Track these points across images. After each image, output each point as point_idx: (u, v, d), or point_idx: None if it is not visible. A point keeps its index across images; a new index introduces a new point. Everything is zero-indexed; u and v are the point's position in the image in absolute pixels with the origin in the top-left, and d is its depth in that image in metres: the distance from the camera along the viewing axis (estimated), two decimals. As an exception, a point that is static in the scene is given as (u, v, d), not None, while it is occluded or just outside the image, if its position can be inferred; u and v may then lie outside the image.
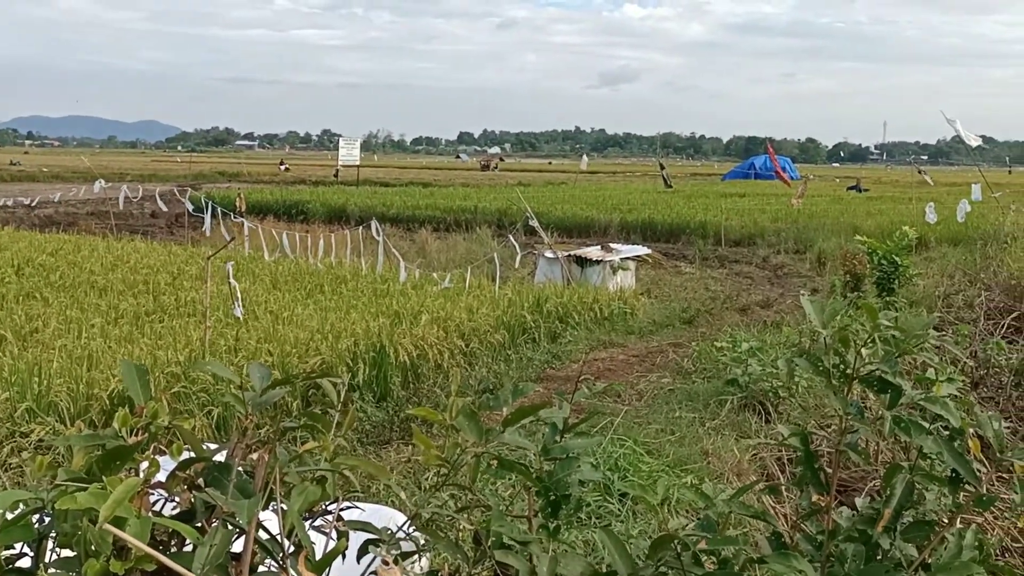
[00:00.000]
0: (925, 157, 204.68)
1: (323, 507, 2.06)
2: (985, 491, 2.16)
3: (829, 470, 2.34)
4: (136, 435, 1.96)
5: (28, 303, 9.65)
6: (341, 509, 2.08)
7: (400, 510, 3.83)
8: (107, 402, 6.07)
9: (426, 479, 5.53)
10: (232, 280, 9.00)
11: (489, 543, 1.99)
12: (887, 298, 10.50)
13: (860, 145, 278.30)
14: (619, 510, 5.15)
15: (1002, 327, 9.04)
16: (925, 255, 17.50)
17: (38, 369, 6.36)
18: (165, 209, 25.08)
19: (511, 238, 16.38)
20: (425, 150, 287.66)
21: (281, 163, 74.02)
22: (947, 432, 2.12)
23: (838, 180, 62.10)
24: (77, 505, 1.56)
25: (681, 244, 23.97)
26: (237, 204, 27.65)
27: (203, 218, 19.75)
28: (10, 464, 5.08)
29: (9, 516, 1.61)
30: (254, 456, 1.96)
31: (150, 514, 1.74)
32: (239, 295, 8.79)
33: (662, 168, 52.75)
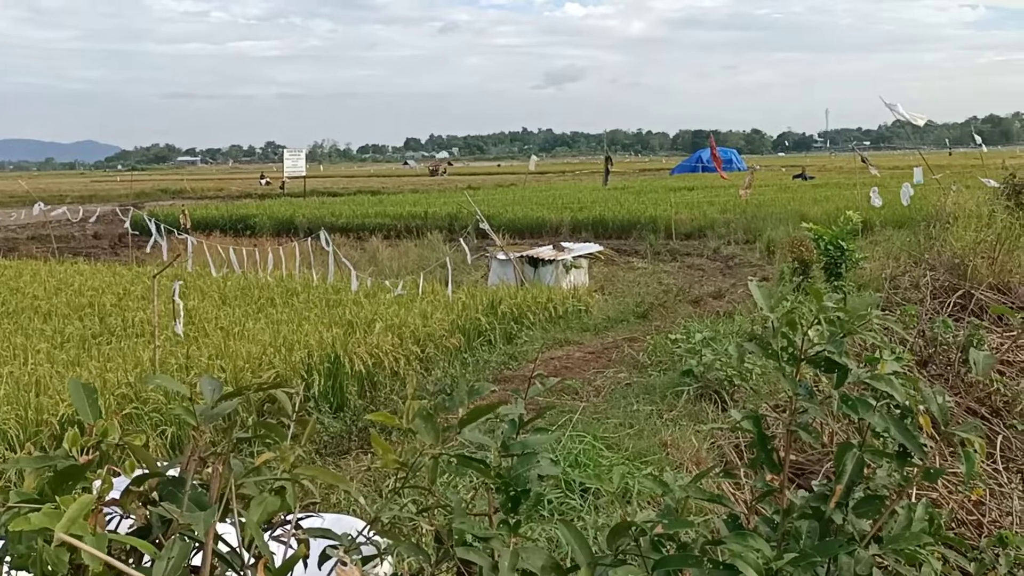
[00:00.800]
0: (867, 143, 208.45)
1: (282, 517, 2.05)
2: (935, 465, 2.22)
3: (783, 453, 2.40)
4: (87, 454, 1.94)
5: (-30, 331, 9.42)
6: (300, 519, 2.07)
7: (362, 518, 3.82)
8: (56, 427, 5.96)
9: (387, 486, 5.51)
10: (176, 298, 8.86)
11: (451, 542, 2.00)
12: (835, 282, 10.67)
13: (804, 134, 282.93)
14: (581, 505, 5.18)
15: (948, 305, 9.23)
16: (871, 239, 17.80)
17: (-17, 397, 6.24)
18: (98, 227, 24.59)
19: (462, 242, 16.38)
20: (372, 158, 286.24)
21: (261, 176, 69.72)
22: (897, 410, 2.18)
23: (784, 169, 62.99)
24: (31, 526, 1.55)
25: (633, 240, 24.13)
26: (181, 221, 27.31)
27: (147, 237, 19.49)
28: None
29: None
30: (209, 470, 1.95)
31: (105, 532, 1.72)
32: (181, 312, 8.66)
33: (608, 162, 52.87)
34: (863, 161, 26.05)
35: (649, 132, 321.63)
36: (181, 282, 8.67)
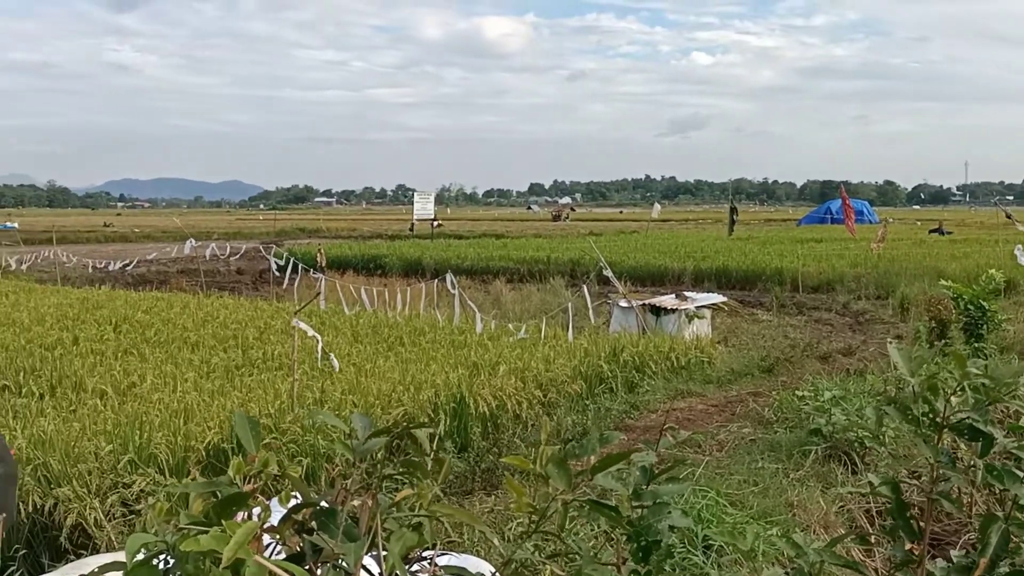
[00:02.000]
0: (1011, 197, 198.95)
1: (419, 553, 2.16)
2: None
3: (922, 522, 2.36)
4: (248, 483, 2.10)
5: (126, 359, 10.05)
6: (437, 555, 2.18)
7: (488, 559, 3.91)
8: (203, 454, 6.30)
9: (509, 529, 5.59)
10: (313, 332, 9.28)
11: (580, 588, 2.06)
12: (975, 344, 10.24)
13: (941, 187, 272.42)
14: (704, 562, 5.13)
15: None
16: (1015, 299, 16.99)
17: (138, 422, 6.65)
18: (241, 263, 25.84)
19: (584, 288, 16.46)
20: (497, 202, 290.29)
21: (435, 220, 66.26)
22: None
23: (919, 223, 60.72)
24: (200, 547, 1.68)
25: (757, 291, 23.67)
26: (318, 259, 28.36)
27: (286, 274, 20.42)
28: (114, 514, 5.32)
29: (138, 558, 1.75)
30: (355, 503, 2.09)
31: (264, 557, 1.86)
32: (328, 351, 9.12)
33: (734, 212, 51.70)
34: (1007, 216, 24.90)
35: (775, 182, 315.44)
36: (301, 322, 8.98)
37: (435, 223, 59.32)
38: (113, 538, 5.10)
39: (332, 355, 9.40)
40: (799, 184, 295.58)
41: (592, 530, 5.10)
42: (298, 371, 8.19)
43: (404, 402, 8.31)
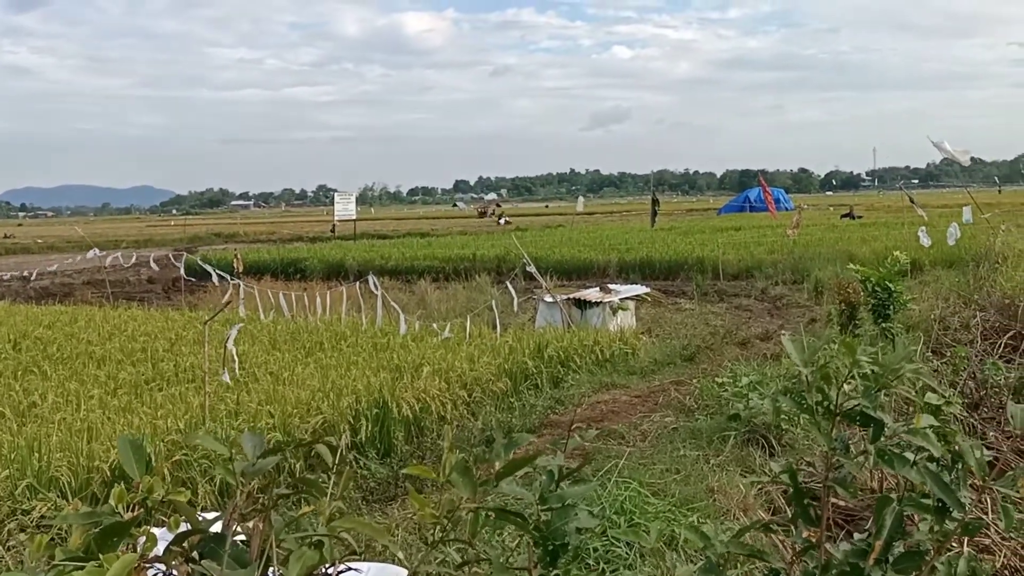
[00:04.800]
0: (916, 181, 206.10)
1: (323, 570, 2.08)
2: (973, 517, 2.18)
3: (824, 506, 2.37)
4: (133, 510, 1.99)
5: (27, 377, 9.66)
6: (339, 572, 2.10)
7: (405, 567, 3.83)
8: (108, 474, 6.06)
9: (431, 534, 5.51)
10: (230, 345, 9.01)
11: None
12: (883, 324, 10.52)
13: (852, 172, 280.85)
14: (627, 554, 5.13)
15: (999, 347, 9.04)
16: (920, 279, 17.52)
17: (38, 444, 6.36)
18: (158, 270, 25.19)
19: (509, 285, 16.44)
20: (422, 200, 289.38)
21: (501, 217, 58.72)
22: (934, 463, 2.15)
23: (832, 208, 62.47)
24: None
25: (680, 280, 24.02)
26: (235, 265, 27.77)
27: (199, 281, 19.95)
28: (11, 545, 5.08)
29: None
30: (250, 524, 2.00)
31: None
32: (236, 360, 8.82)
33: (655, 203, 52.40)
34: (911, 201, 25.69)
35: (696, 172, 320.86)
36: (240, 326, 8.75)
37: (502, 220, 55.71)
38: (12, 568, 4.87)
39: (226, 369, 8.93)
40: (719, 174, 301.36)
41: (515, 531, 5.06)
42: (211, 383, 7.97)
43: (323, 410, 8.16)
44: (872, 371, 2.15)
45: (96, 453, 6.24)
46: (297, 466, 6.16)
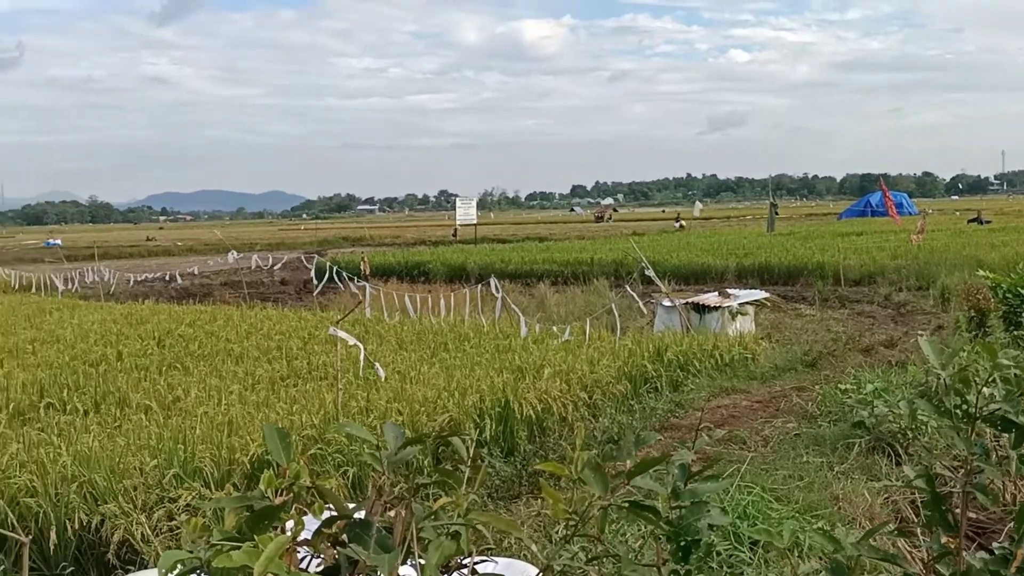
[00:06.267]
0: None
1: (458, 561, 2.13)
2: None
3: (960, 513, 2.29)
4: (280, 495, 2.09)
5: (171, 373, 10.17)
6: (475, 563, 2.15)
7: (533, 563, 3.87)
8: (248, 466, 6.33)
9: (556, 532, 5.55)
10: (354, 341, 9.31)
11: (621, 592, 2.02)
12: (1014, 332, 10.01)
13: (979, 176, 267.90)
14: (750, 558, 5.05)
15: None
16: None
17: (183, 436, 6.70)
18: (285, 274, 26.14)
19: (628, 288, 16.35)
20: (539, 205, 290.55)
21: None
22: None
23: (958, 213, 59.84)
24: (232, 563, 1.67)
25: (800, 286, 23.46)
26: (361, 268, 28.56)
27: (329, 283, 20.61)
28: (160, 528, 5.37)
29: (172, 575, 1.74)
30: (391, 513, 2.07)
31: (299, 570, 1.85)
32: (372, 360, 9.17)
33: (774, 208, 50.94)
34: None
35: (815, 176, 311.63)
36: (340, 332, 8.97)
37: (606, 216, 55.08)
38: (160, 553, 5.14)
39: (377, 364, 9.43)
40: (839, 178, 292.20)
41: (639, 531, 5.05)
42: (342, 381, 8.22)
43: (449, 408, 8.30)
44: (1014, 374, 2.07)
45: (237, 446, 6.52)
46: (425, 462, 6.30)
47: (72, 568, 5.20)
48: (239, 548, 1.72)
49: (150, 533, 5.17)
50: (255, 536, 1.79)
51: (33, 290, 25.80)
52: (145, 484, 5.74)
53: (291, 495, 2.09)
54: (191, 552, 1.80)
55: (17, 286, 27.73)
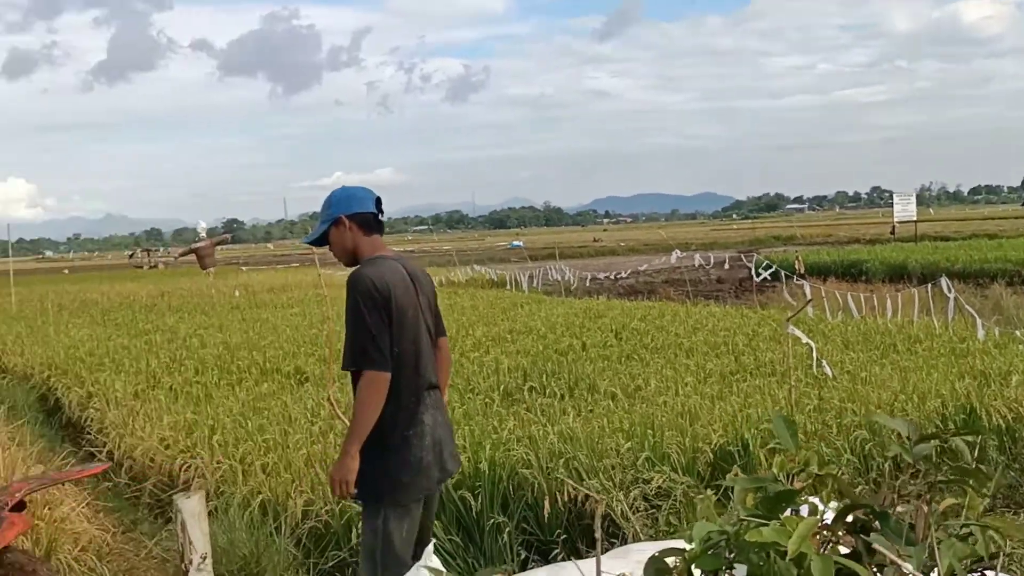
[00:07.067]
0: None
1: (966, 564, 2.11)
2: None
3: None
4: (790, 480, 2.22)
5: (629, 363, 10.75)
6: (984, 568, 2.11)
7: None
8: (710, 455, 6.59)
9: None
10: (807, 339, 9.23)
11: None
12: None
13: None
14: None
15: None
16: None
17: (649, 423, 7.14)
18: (720, 272, 26.32)
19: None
20: (985, 199, 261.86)
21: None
22: None
23: None
24: (763, 539, 1.83)
25: None
26: (796, 266, 28.04)
27: (766, 281, 20.57)
28: (637, 507, 5.80)
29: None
30: (900, 508, 2.11)
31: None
32: (821, 358, 9.07)
33: None
34: None
35: None
36: (795, 330, 8.88)
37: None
38: (638, 529, 5.57)
39: (825, 362, 9.27)
40: None
41: None
42: (793, 377, 8.19)
43: (908, 412, 7.90)
44: None
45: (699, 435, 6.82)
46: (932, 460, 6.09)
47: (564, 536, 5.83)
48: (766, 525, 1.87)
49: (628, 510, 5.62)
50: (769, 517, 1.93)
51: (506, 287, 28.82)
52: (620, 465, 6.21)
53: (804, 481, 2.22)
54: (721, 526, 2.00)
55: (489, 283, 31.25)
